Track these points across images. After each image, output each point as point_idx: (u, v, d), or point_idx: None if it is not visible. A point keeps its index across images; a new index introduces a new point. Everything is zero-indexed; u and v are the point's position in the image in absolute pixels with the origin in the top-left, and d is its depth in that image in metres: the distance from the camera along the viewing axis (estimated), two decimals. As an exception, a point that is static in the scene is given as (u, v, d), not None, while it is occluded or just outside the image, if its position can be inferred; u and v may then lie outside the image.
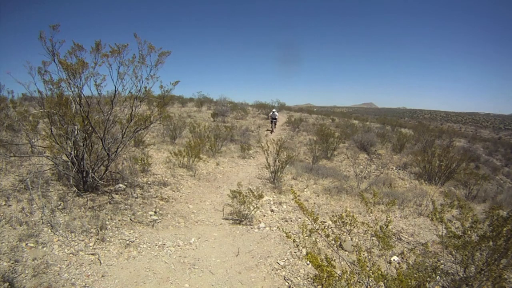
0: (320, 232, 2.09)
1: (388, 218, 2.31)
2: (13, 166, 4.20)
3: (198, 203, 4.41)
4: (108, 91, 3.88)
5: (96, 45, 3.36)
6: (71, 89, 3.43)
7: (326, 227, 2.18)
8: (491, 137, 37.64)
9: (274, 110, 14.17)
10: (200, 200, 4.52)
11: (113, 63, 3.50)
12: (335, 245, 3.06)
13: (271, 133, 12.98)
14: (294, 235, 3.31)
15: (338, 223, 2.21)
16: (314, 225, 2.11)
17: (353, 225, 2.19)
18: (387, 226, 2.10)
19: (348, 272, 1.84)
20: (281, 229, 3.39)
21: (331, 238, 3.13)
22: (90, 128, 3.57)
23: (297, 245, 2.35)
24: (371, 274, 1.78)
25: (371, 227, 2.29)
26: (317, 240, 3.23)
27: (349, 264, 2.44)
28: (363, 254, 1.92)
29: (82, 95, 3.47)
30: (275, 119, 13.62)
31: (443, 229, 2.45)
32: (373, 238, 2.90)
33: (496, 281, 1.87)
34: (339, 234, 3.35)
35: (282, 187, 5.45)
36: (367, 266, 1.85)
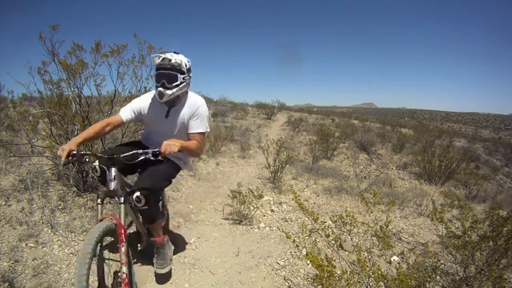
0: (320, 232, 2.09)
1: (388, 218, 2.31)
2: (13, 166, 4.20)
3: (198, 203, 4.40)
4: (108, 91, 3.88)
5: (96, 45, 3.36)
6: (71, 89, 3.43)
7: (326, 227, 2.18)
8: (491, 137, 37.67)
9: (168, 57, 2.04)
10: (200, 200, 4.52)
11: (113, 63, 3.51)
12: (335, 245, 3.06)
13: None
14: (294, 235, 3.31)
15: (338, 223, 2.21)
16: (314, 225, 2.11)
17: (353, 225, 2.20)
18: (387, 226, 2.10)
19: (348, 272, 1.84)
20: (281, 229, 3.39)
21: (331, 238, 3.13)
22: (90, 128, 3.57)
23: (297, 245, 2.34)
24: (371, 274, 1.78)
25: (371, 227, 2.29)
26: (317, 240, 3.23)
27: (349, 264, 2.43)
28: (363, 254, 1.92)
29: (82, 95, 3.47)
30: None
31: (443, 229, 2.45)
32: (373, 238, 2.90)
33: (496, 281, 1.87)
34: (339, 234, 3.35)
35: (282, 187, 5.45)
36: (367, 266, 1.85)
